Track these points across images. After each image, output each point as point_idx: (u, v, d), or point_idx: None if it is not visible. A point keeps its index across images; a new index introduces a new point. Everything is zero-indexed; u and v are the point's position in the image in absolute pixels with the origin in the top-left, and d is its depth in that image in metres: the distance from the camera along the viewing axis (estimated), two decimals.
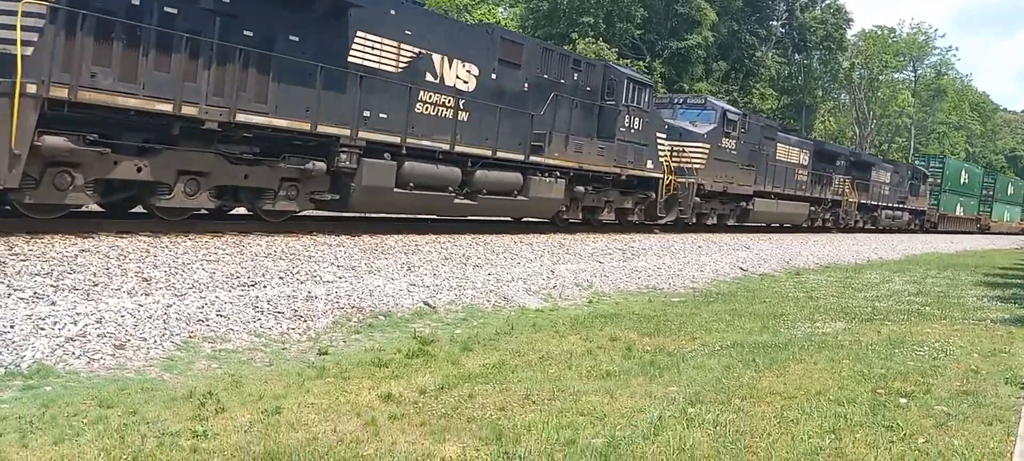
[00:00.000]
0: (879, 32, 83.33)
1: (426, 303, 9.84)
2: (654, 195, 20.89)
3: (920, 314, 11.83)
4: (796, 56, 67.65)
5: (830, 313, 11.48)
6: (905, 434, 5.34)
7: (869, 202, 37.51)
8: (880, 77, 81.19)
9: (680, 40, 51.67)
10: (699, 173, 22.40)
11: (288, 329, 7.91)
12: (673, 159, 21.50)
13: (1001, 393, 6.61)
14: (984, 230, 58.38)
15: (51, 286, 7.51)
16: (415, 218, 15.94)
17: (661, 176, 20.82)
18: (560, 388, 6.23)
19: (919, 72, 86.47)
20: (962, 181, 56.29)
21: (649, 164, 20.27)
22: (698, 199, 22.61)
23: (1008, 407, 6.14)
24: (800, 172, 29.81)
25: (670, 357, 7.63)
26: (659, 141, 20.84)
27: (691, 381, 6.60)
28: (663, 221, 21.95)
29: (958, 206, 54.47)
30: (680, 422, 5.35)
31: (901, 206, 42.79)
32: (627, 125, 19.21)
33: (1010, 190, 67.20)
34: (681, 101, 25.37)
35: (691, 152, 22.57)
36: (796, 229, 31.30)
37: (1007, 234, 60.93)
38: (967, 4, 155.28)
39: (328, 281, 9.79)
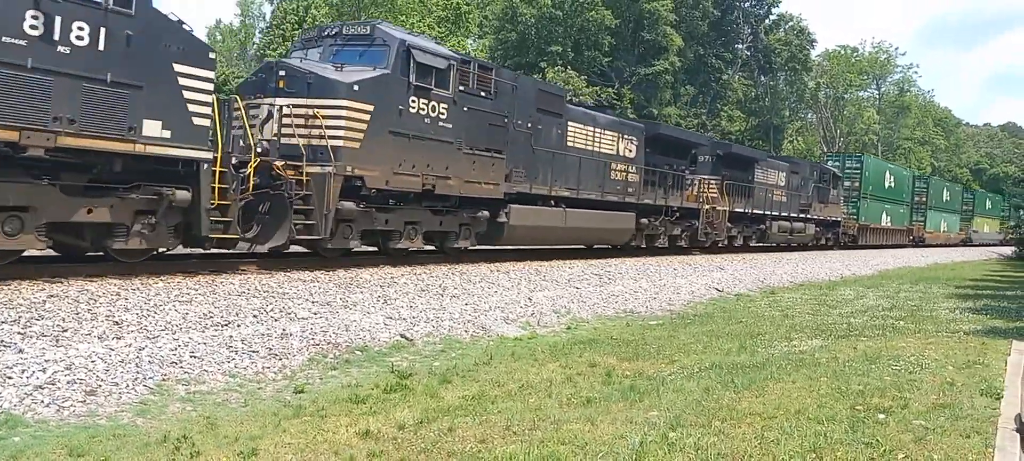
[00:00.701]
0: (842, 52, 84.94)
1: (403, 336, 9.76)
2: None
3: (895, 328, 11.94)
4: (762, 78, 68.65)
5: (806, 331, 11.55)
6: (885, 450, 5.36)
7: (751, 211, 28.22)
8: (845, 96, 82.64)
9: (647, 66, 52.30)
10: (346, 155, 12.64)
11: (263, 368, 7.80)
12: (289, 127, 12.51)
13: (977, 404, 6.66)
14: (918, 243, 50.68)
15: (18, 333, 7.35)
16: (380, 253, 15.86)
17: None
18: (540, 417, 6.19)
19: (882, 89, 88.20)
20: (887, 185, 47.80)
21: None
22: (352, 205, 13.02)
23: (985, 418, 6.18)
24: (620, 167, 20.90)
25: (650, 381, 7.62)
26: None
27: (671, 405, 6.59)
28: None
29: (884, 215, 46.21)
30: (661, 447, 5.32)
31: (804, 216, 33.24)
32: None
33: (945, 195, 59.56)
34: (334, 31, 14.59)
35: (328, 116, 12.57)
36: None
37: (944, 246, 53.68)
38: (928, 20, 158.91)
39: (303, 318, 9.69)
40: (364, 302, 11.05)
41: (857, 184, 42.76)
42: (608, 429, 5.85)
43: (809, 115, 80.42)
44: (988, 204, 74.21)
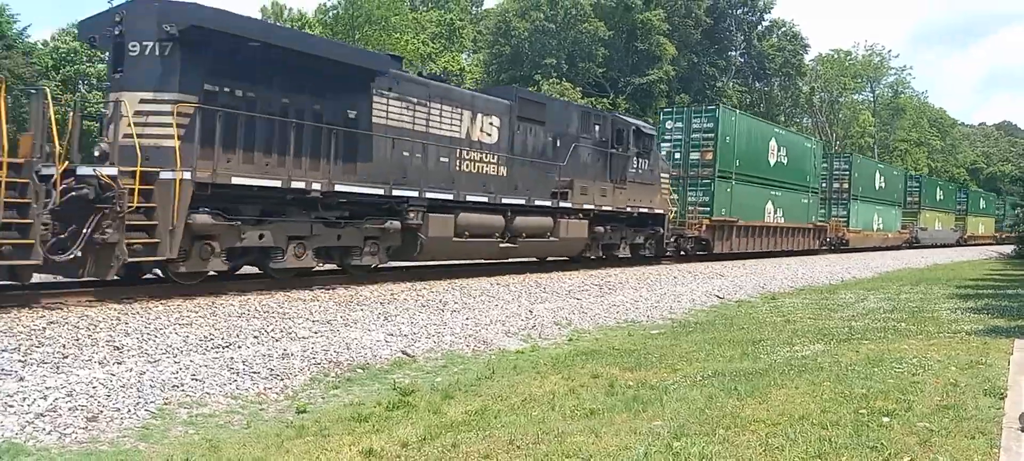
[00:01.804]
0: (836, 56, 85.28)
1: (404, 352, 9.74)
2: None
3: (896, 331, 11.93)
4: (757, 84, 68.91)
5: (808, 335, 11.54)
6: (890, 454, 5.34)
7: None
8: (840, 99, 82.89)
9: (642, 76, 52.50)
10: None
11: (265, 389, 7.78)
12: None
13: (981, 405, 6.64)
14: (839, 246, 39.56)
15: (19, 361, 7.33)
16: (390, 267, 15.87)
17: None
18: (544, 430, 6.17)
19: (877, 92, 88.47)
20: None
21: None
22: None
23: (989, 419, 6.17)
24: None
25: (653, 390, 7.60)
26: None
27: (675, 414, 6.57)
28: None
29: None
30: (666, 457, 5.30)
31: (555, 205, 18.39)
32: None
33: (880, 182, 45.93)
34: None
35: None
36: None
37: (875, 249, 43.12)
38: (922, 22, 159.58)
39: (304, 337, 9.67)
40: (365, 319, 11.04)
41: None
42: (612, 440, 5.82)
43: (805, 119, 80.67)
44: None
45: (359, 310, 11.59)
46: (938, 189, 59.83)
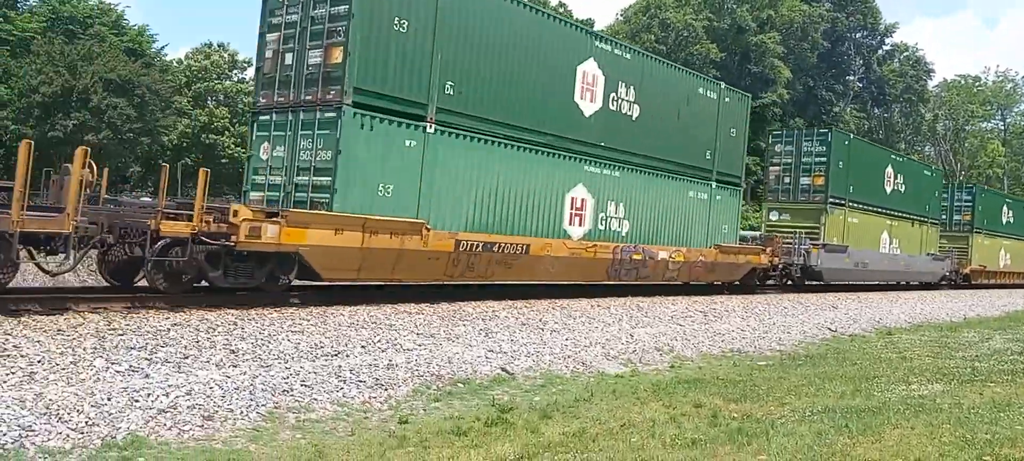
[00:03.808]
0: (963, 82, 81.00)
1: (504, 369, 9.80)
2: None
3: None
4: (876, 110, 66.25)
5: (926, 374, 10.95)
6: None
7: None
8: (967, 127, 78.63)
9: (755, 98, 51.25)
10: None
11: (369, 398, 7.98)
12: None
13: None
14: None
15: (145, 359, 7.79)
16: (496, 285, 15.96)
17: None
18: (643, 458, 6.08)
19: (1008, 121, 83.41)
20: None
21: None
22: None
23: None
24: None
25: (758, 424, 7.37)
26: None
27: (782, 449, 6.35)
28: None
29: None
30: None
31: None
32: None
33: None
34: None
35: None
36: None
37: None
38: None
39: (408, 349, 9.88)
40: (466, 335, 11.18)
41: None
42: None
43: (926, 148, 76.86)
44: None
45: (461, 325, 11.74)
46: None
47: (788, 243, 24.60)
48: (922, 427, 7.19)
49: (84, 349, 7.81)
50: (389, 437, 6.71)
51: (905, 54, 67.37)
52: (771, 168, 28.74)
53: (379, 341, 10.00)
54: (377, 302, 12.80)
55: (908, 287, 32.85)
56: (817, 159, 27.41)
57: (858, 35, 63.88)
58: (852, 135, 28.45)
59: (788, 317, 18.04)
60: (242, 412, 7.01)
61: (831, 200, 26.86)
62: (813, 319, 18.28)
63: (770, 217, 28.34)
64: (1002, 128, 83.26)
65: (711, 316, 16.45)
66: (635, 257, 17.87)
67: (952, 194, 39.91)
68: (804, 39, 56.07)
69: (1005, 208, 44.26)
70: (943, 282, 35.83)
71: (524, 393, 8.90)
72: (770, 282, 25.23)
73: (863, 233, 28.62)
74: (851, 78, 64.06)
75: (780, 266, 24.26)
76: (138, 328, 8.86)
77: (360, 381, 8.35)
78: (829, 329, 17.18)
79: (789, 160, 28.40)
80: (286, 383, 7.84)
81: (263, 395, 7.44)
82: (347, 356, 9.14)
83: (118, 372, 7.30)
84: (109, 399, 6.61)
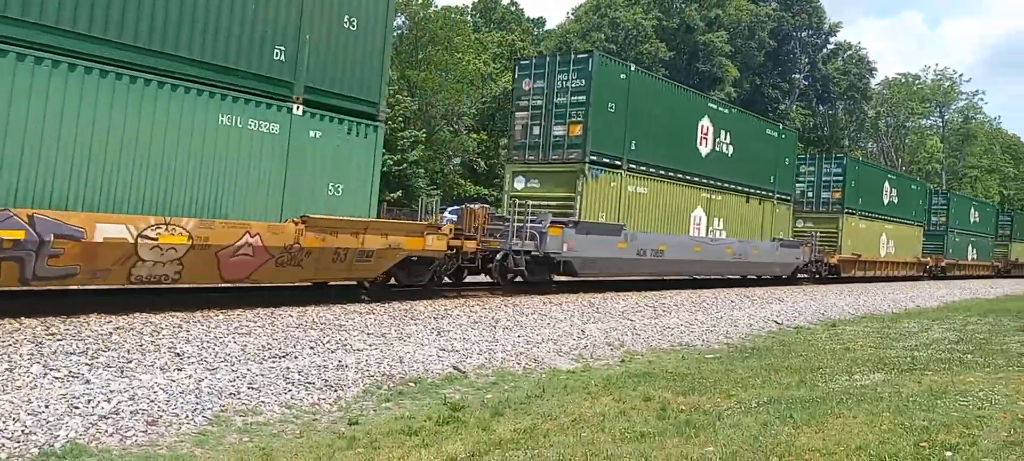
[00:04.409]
0: (903, 80, 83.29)
1: (456, 368, 9.79)
2: None
3: (962, 362, 11.53)
4: (821, 107, 67.71)
5: (868, 364, 11.23)
6: None
7: None
8: (907, 124, 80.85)
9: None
10: None
11: (318, 399, 7.90)
12: None
13: None
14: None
15: (86, 364, 7.60)
16: (443, 284, 15.97)
17: None
18: (593, 452, 6.12)
19: (946, 117, 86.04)
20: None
21: None
22: None
23: None
24: None
25: (706, 416, 7.48)
26: None
27: (728, 440, 6.46)
28: None
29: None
30: None
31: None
32: None
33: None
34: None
35: None
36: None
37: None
38: (995, 47, 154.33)
39: (358, 349, 9.80)
40: (418, 334, 11.13)
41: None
42: None
43: (870, 144, 78.83)
44: None
45: (412, 325, 11.69)
46: None
47: (533, 221, 17.24)
48: (863, 416, 7.37)
49: (20, 355, 7.59)
50: (338, 438, 6.65)
51: (849, 53, 68.97)
52: (517, 115, 20.25)
53: (328, 342, 9.91)
54: (326, 302, 12.67)
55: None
56: (575, 99, 19.13)
57: (804, 34, 65.20)
58: (632, 67, 20.45)
59: (736, 311, 18.34)
60: (187, 416, 6.88)
61: (591, 159, 18.69)
62: (760, 312, 18.62)
63: (515, 185, 19.93)
64: (940, 125, 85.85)
65: (660, 310, 16.64)
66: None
67: (819, 166, 33.43)
68: (751, 38, 57.07)
69: (887, 186, 37.44)
70: (801, 275, 29.88)
71: (476, 391, 8.90)
72: (481, 277, 17.40)
73: (662, 209, 21.45)
74: (797, 76, 65.37)
75: (497, 254, 16.39)
76: (78, 333, 8.64)
77: (309, 383, 8.26)
78: (775, 322, 17.52)
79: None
80: (233, 386, 7.72)
81: (209, 398, 7.31)
82: (295, 358, 9.03)
83: (57, 378, 7.11)
84: (47, 406, 6.44)
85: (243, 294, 12.37)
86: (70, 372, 7.32)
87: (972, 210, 50.58)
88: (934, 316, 21.11)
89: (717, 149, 23.29)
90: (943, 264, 43.87)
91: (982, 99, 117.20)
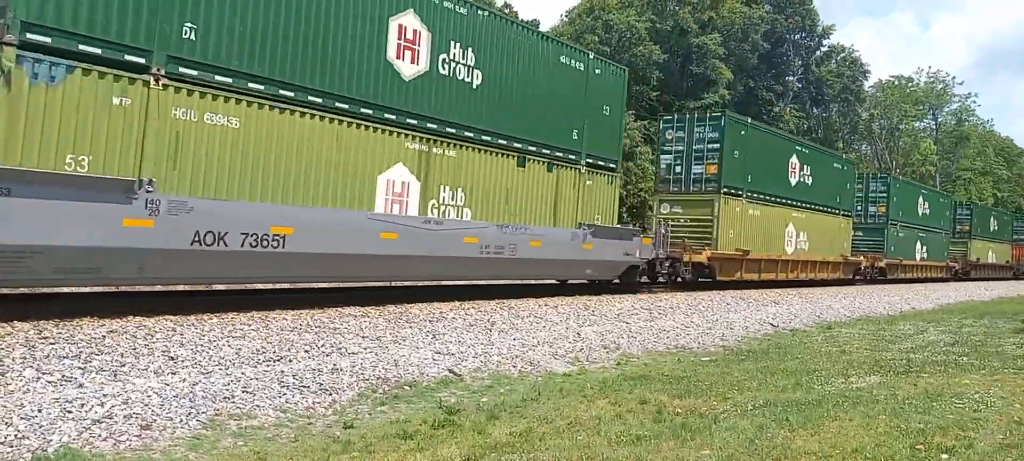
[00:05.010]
0: (896, 82, 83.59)
1: (452, 371, 9.76)
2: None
3: (958, 365, 11.54)
4: (814, 110, 67.87)
5: (864, 367, 11.24)
6: None
7: None
8: (900, 126, 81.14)
9: (697, 99, 52.07)
10: None
11: (313, 403, 7.86)
12: None
13: None
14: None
15: (79, 368, 7.55)
16: (438, 286, 15.93)
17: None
18: (589, 455, 6.11)
19: (939, 120, 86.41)
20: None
21: None
22: None
23: None
24: None
25: (702, 419, 7.47)
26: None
27: (724, 444, 6.45)
28: None
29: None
30: None
31: None
32: None
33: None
34: None
35: None
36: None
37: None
38: (989, 49, 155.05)
39: (353, 352, 9.77)
40: (413, 337, 11.10)
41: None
42: None
43: (863, 147, 79.06)
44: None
45: (408, 328, 11.66)
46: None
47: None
48: (859, 418, 7.37)
49: (13, 359, 7.54)
50: (333, 442, 6.62)
51: (842, 56, 69.16)
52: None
53: (323, 345, 9.87)
54: (321, 305, 12.64)
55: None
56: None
57: (797, 37, 65.33)
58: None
59: (731, 313, 18.35)
60: (181, 420, 6.84)
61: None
62: (755, 315, 18.63)
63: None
64: (933, 127, 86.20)
65: (656, 313, 16.63)
66: None
67: (690, 128, 24.78)
68: (745, 40, 57.14)
69: (796, 162, 28.35)
70: (643, 280, 21.83)
71: (472, 394, 8.88)
72: None
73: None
74: (790, 78, 65.48)
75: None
76: (71, 337, 8.59)
77: (304, 386, 8.22)
78: (771, 324, 17.53)
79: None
80: (227, 389, 7.68)
81: (203, 402, 7.27)
82: (290, 361, 8.99)
83: (50, 382, 7.07)
84: (40, 411, 6.39)
85: (238, 297, 12.32)
86: (63, 376, 7.27)
87: (921, 200, 42.26)
88: (930, 318, 21.15)
89: (453, 77, 15.17)
90: (882, 264, 36.05)
91: (975, 102, 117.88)
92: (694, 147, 24.67)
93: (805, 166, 28.85)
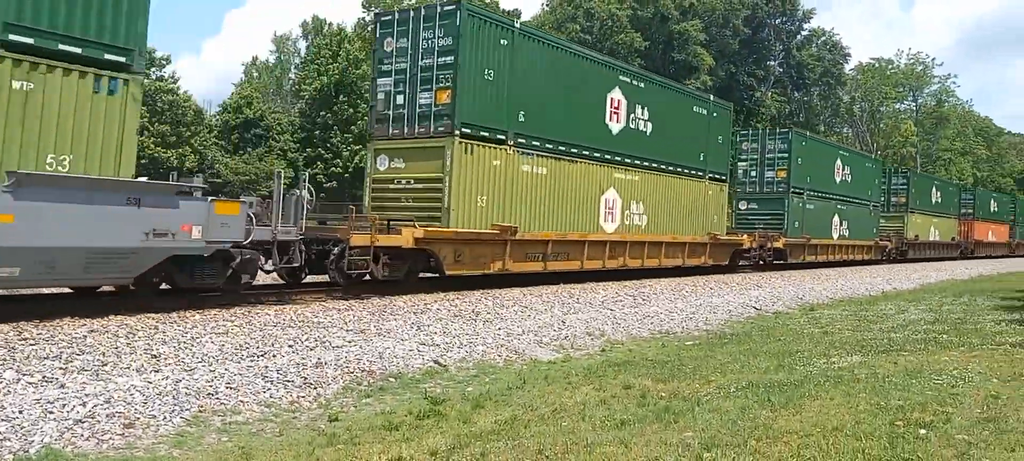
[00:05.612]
0: (877, 65, 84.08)
1: (437, 362, 9.78)
2: None
3: (937, 342, 11.68)
4: (796, 93, 68.17)
5: (845, 347, 11.35)
6: None
7: None
8: (881, 109, 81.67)
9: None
10: None
11: (298, 397, 7.86)
12: None
13: (1023, 417, 6.47)
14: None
15: (60, 368, 7.51)
16: (424, 277, 15.96)
17: None
18: (574, 441, 6.14)
19: (920, 101, 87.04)
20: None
21: None
22: None
23: None
24: None
25: (685, 402, 7.53)
26: None
27: (707, 425, 6.50)
28: None
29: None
30: None
31: None
32: None
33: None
34: None
35: None
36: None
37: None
38: (969, 31, 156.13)
39: (338, 346, 9.76)
40: (398, 329, 11.10)
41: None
42: (642, 451, 5.78)
43: (845, 129, 79.55)
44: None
45: (392, 320, 11.67)
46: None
47: None
48: (840, 397, 7.45)
49: None
50: (318, 435, 6.63)
51: (822, 39, 69.50)
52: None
53: (307, 340, 9.86)
54: (304, 300, 12.61)
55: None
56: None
57: (778, 21, 65.60)
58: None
59: (715, 297, 18.46)
60: (165, 417, 6.82)
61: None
62: (738, 299, 18.75)
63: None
64: (914, 109, 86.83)
65: (640, 299, 16.71)
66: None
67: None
68: (726, 26, 57.33)
69: (617, 95, 20.08)
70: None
71: (457, 384, 8.90)
72: None
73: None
74: (772, 63, 65.81)
75: None
76: (51, 337, 8.54)
77: (288, 381, 8.21)
78: (754, 308, 17.65)
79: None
80: (211, 386, 7.66)
81: (187, 399, 7.25)
82: (274, 356, 8.98)
83: (30, 383, 7.02)
84: (21, 412, 6.35)
85: (222, 293, 12.28)
86: (44, 376, 7.23)
87: (839, 164, 34.01)
88: (910, 298, 21.37)
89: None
90: (779, 244, 28.47)
91: (954, 83, 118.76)
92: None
93: (645, 112, 21.32)
